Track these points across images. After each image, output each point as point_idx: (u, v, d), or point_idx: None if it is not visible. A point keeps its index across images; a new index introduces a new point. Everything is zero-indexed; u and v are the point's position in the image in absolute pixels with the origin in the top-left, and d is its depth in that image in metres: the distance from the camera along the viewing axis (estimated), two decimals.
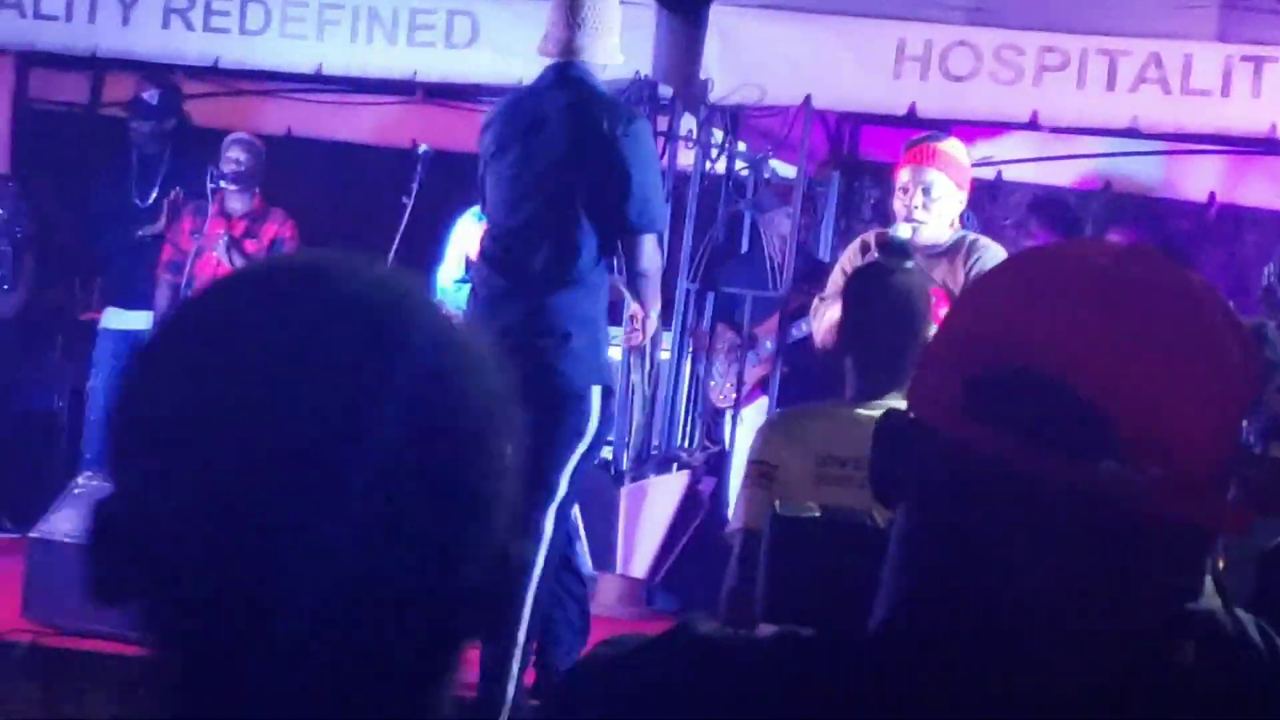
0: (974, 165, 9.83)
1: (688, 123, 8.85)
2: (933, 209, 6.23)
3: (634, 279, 6.16)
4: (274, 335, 1.15)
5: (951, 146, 6.45)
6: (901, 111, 8.29)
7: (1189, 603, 1.38)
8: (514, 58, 8.47)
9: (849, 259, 6.36)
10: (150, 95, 9.06)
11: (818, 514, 1.64)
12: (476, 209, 7.24)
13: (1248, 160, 9.79)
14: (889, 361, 4.39)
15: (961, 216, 6.43)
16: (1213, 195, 10.10)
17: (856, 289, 4.71)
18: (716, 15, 8.39)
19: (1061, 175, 10.07)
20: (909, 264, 4.66)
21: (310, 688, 1.13)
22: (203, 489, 1.12)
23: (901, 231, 6.11)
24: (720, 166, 8.89)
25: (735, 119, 8.83)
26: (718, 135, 8.87)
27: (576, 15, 6.16)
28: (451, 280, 7.89)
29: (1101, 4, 8.26)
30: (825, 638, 1.44)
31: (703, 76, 8.36)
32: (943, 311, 6.17)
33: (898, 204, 6.32)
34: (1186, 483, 1.33)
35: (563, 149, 5.96)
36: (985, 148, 9.89)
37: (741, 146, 9.16)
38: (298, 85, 9.81)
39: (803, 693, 1.39)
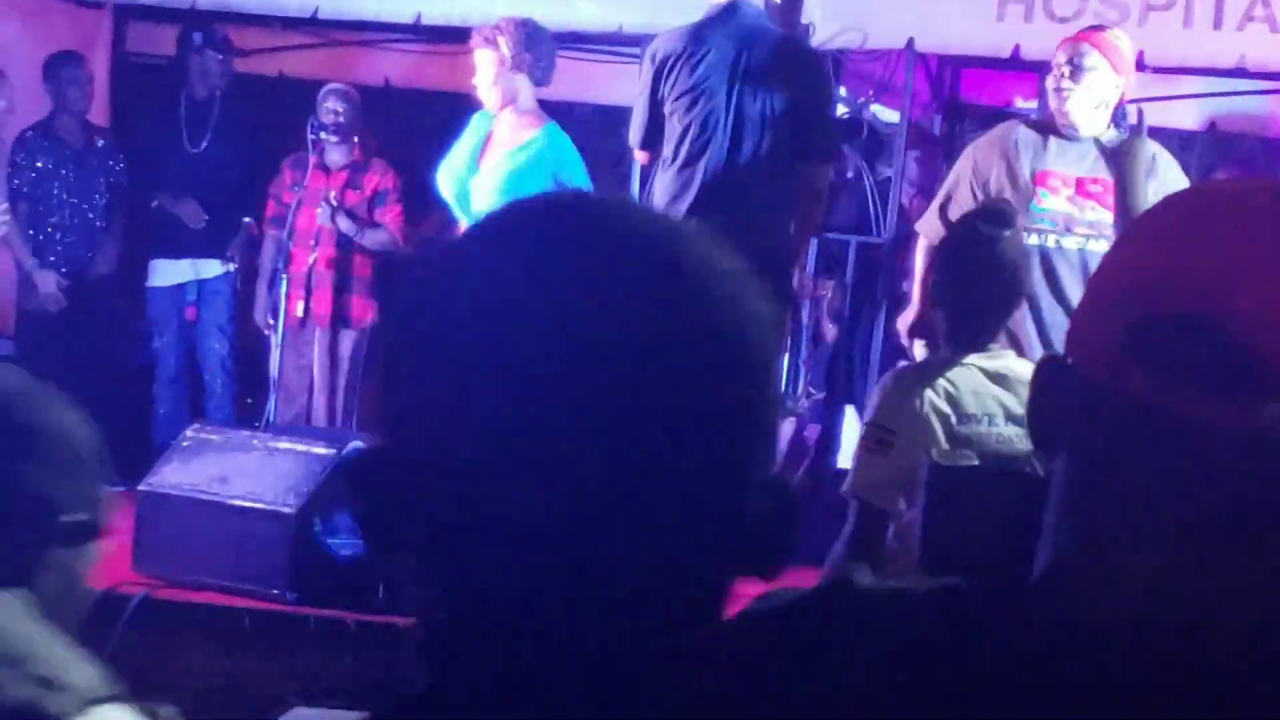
0: None
1: None
2: (1083, 81, 6.21)
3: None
4: (571, 270, 1.15)
5: (1112, 34, 6.46)
6: (1006, 54, 8.21)
7: None
8: (613, 4, 8.46)
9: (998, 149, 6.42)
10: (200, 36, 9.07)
11: (976, 462, 1.62)
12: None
13: None
14: (984, 321, 4.43)
15: (1125, 121, 6.38)
16: None
17: (953, 253, 4.68)
18: None
19: (1166, 116, 9.91)
20: (1008, 232, 4.61)
21: (588, 626, 1.14)
22: (491, 426, 1.11)
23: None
24: None
25: (838, 63, 8.75)
26: None
27: None
28: (456, 179, 7.58)
29: None
30: (987, 589, 1.42)
31: (804, 20, 8.29)
32: (1106, 199, 6.14)
33: (1050, 81, 6.30)
34: None
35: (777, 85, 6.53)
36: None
37: (843, 91, 9.10)
38: (395, 35, 9.79)
39: (966, 646, 1.36)
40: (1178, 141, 10.14)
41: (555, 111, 8.36)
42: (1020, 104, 9.47)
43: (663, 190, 6.70)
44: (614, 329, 1.12)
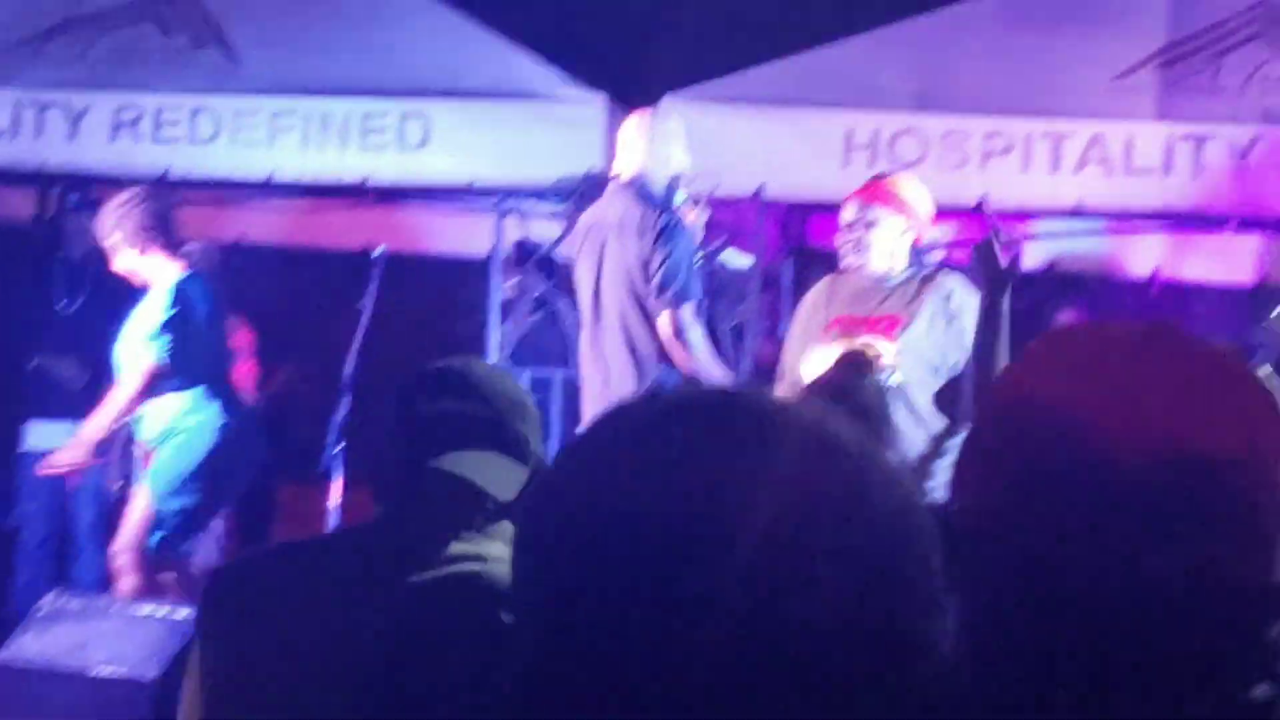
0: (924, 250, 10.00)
1: None
2: (872, 235, 6.54)
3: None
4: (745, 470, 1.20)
5: (898, 183, 6.77)
6: None
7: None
8: (465, 158, 8.57)
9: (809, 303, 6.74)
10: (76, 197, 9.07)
11: None
12: None
13: (1190, 237, 9.92)
14: None
15: (920, 259, 6.63)
16: (1156, 272, 10.22)
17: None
18: (667, 108, 8.47)
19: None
20: (867, 378, 4.73)
21: None
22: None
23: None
24: None
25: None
26: None
27: None
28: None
29: (1044, 87, 8.40)
30: None
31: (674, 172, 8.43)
32: (896, 333, 6.40)
33: (840, 238, 6.55)
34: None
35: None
36: (932, 232, 10.00)
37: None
38: (249, 192, 9.84)
39: None
40: (1022, 282, 10.40)
41: (409, 262, 8.44)
42: None
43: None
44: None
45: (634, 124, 7.23)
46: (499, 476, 2.92)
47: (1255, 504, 1.34)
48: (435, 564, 2.87)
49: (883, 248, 6.59)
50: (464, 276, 10.35)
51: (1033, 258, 10.04)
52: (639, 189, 7.11)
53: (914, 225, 6.70)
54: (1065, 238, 9.88)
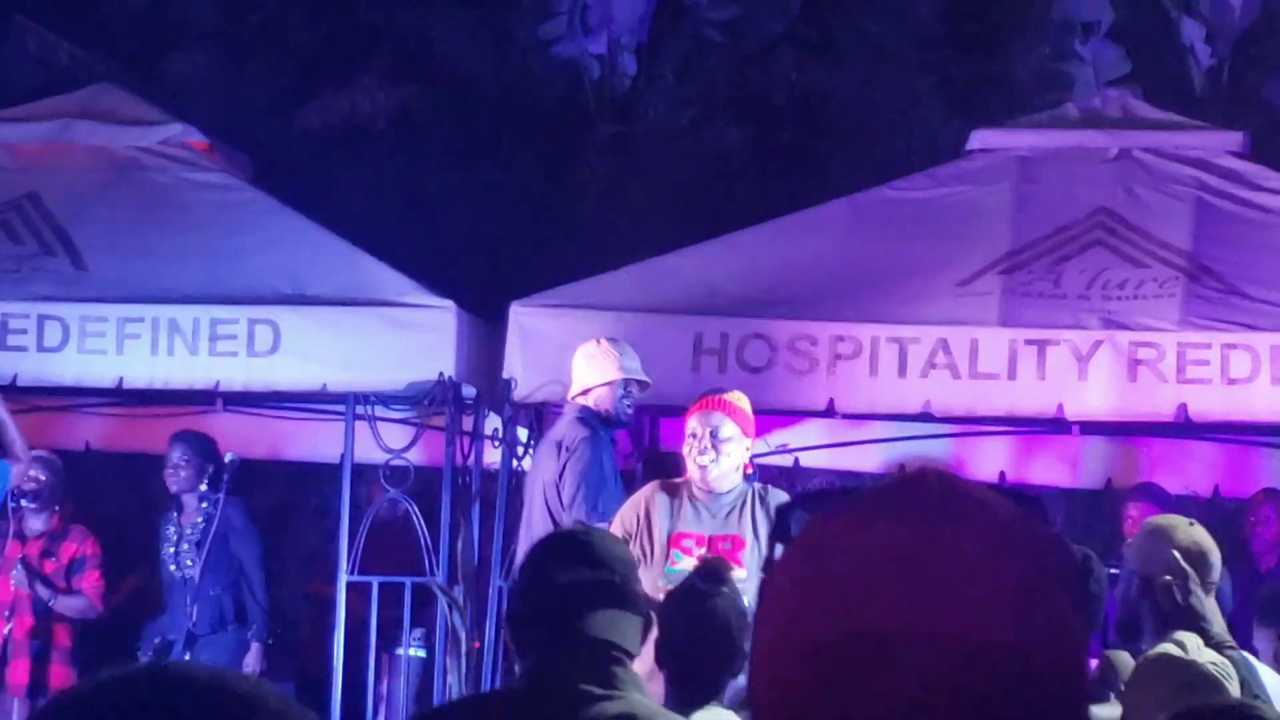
0: (771, 453, 10.08)
1: (493, 422, 8.94)
2: (722, 450, 6.78)
3: None
4: None
5: (736, 397, 7.07)
6: None
7: None
8: (315, 364, 8.55)
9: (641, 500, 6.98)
10: None
11: None
12: None
13: (1036, 440, 10.09)
14: (706, 677, 4.50)
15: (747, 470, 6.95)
16: (1003, 475, 10.36)
17: (672, 611, 4.75)
18: (516, 315, 8.54)
19: (857, 459, 10.27)
20: (724, 589, 4.75)
21: None
22: None
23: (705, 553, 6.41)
24: (527, 464, 8.96)
25: (540, 415, 8.92)
26: (523, 433, 8.96)
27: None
28: None
29: (890, 293, 8.53)
30: None
31: (505, 375, 8.48)
32: (737, 555, 6.50)
33: (687, 448, 6.67)
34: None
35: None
36: (781, 435, 10.11)
37: None
38: (97, 399, 9.75)
39: None
40: (869, 483, 10.49)
41: (259, 467, 8.38)
42: None
43: None
44: None
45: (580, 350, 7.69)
46: (628, 632, 3.45)
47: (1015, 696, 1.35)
48: (588, 715, 3.30)
49: (732, 462, 6.84)
50: (318, 481, 10.30)
51: (880, 460, 10.16)
52: (571, 410, 7.61)
53: (749, 439, 6.97)
54: (913, 440, 10.01)
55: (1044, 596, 1.38)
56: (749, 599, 6.31)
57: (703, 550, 6.65)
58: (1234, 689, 4.49)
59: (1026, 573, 1.38)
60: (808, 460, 10.37)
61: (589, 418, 7.57)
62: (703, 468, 6.80)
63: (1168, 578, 5.22)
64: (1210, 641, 5.08)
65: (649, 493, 6.98)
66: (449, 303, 8.59)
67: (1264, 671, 5.59)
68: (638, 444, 10.04)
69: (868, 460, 10.46)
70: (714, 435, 6.83)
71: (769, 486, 7.08)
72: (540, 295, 8.69)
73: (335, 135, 12.04)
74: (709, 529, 6.81)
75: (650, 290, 8.65)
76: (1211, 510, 10.37)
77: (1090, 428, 9.41)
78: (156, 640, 8.78)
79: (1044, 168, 9.02)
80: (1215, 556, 5.41)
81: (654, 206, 11.30)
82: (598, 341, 7.74)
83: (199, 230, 8.98)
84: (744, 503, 6.84)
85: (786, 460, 10.34)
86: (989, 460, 10.36)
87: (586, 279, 8.77)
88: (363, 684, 8.64)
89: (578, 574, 3.46)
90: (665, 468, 10.17)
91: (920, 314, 8.45)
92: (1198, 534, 5.45)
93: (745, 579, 6.50)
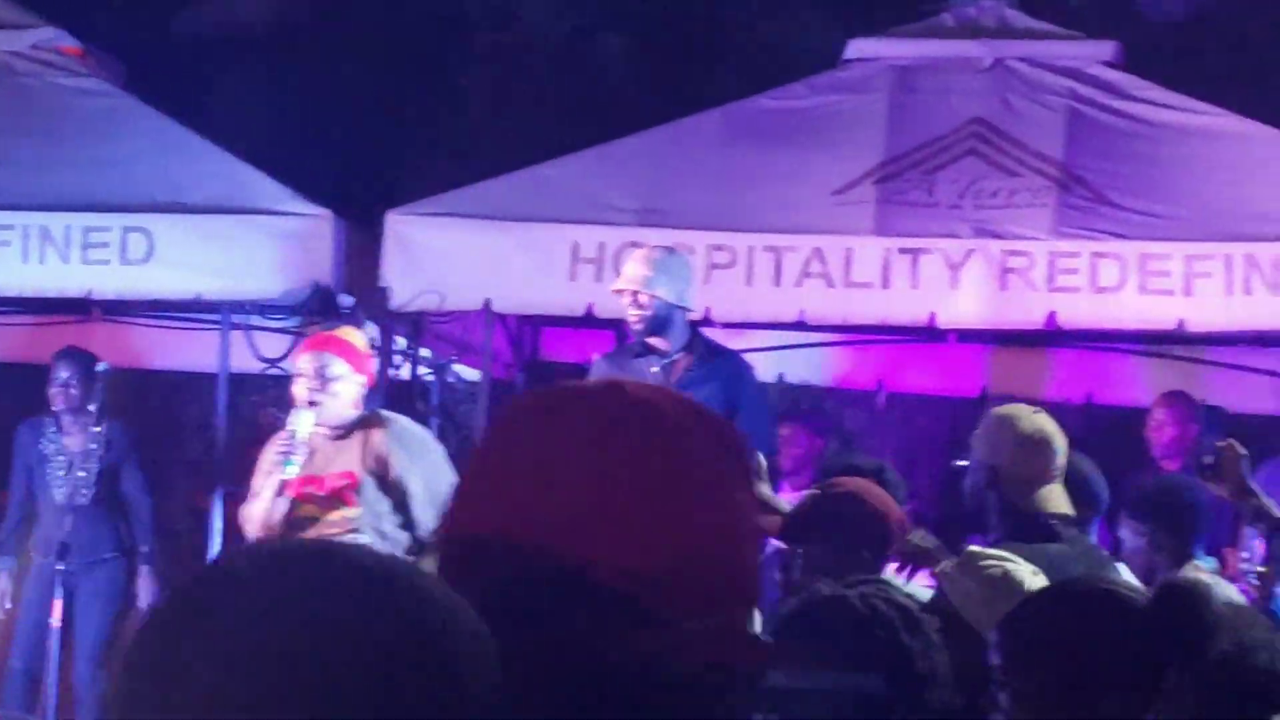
0: None
1: (370, 331, 8.92)
2: (329, 389, 6.82)
3: None
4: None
5: (347, 333, 7.12)
6: (580, 312, 8.45)
7: None
8: (189, 273, 8.49)
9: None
10: None
11: None
12: None
13: (912, 349, 10.17)
14: None
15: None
16: (880, 383, 10.46)
17: None
18: (392, 223, 8.51)
19: None
20: None
21: None
22: None
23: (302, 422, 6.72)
24: (405, 373, 8.97)
25: (417, 325, 8.92)
26: (401, 342, 8.95)
27: None
28: None
29: (765, 202, 8.57)
30: None
31: (382, 284, 8.46)
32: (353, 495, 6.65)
33: (298, 388, 6.72)
34: (717, 628, 1.40)
35: None
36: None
37: (427, 352, 9.26)
38: None
39: None
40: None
41: (134, 377, 8.32)
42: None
43: None
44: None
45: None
46: None
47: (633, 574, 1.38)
48: None
49: (344, 400, 6.89)
50: (198, 391, 10.25)
51: (760, 370, 10.22)
52: None
53: (362, 375, 7.01)
54: (791, 349, 10.08)
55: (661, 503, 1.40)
56: (365, 536, 6.55)
57: (317, 489, 6.83)
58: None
59: (637, 483, 1.40)
60: None
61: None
62: (315, 408, 6.82)
63: (1015, 467, 5.33)
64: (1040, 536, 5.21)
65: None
66: (325, 211, 8.55)
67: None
68: (519, 354, 10.06)
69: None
70: (323, 376, 6.85)
71: (384, 412, 7.17)
72: (417, 204, 8.66)
73: (212, 41, 11.92)
74: (322, 468, 6.86)
75: (527, 199, 8.64)
76: (1086, 417, 10.53)
77: (966, 336, 9.53)
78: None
79: (919, 77, 9.05)
80: (1060, 443, 5.52)
81: (537, 115, 11.28)
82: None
83: (71, 137, 8.86)
84: (355, 429, 6.90)
85: None
86: (866, 370, 10.46)
87: (463, 187, 8.74)
88: None
89: None
90: (547, 378, 10.22)
91: (795, 223, 8.49)
92: (1041, 421, 5.56)
93: (358, 515, 6.68)
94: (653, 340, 7.44)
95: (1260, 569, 6.57)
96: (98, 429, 8.66)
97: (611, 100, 11.33)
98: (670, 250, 7.58)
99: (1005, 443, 5.44)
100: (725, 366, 7.53)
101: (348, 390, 6.89)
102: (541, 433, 1.44)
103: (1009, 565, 4.56)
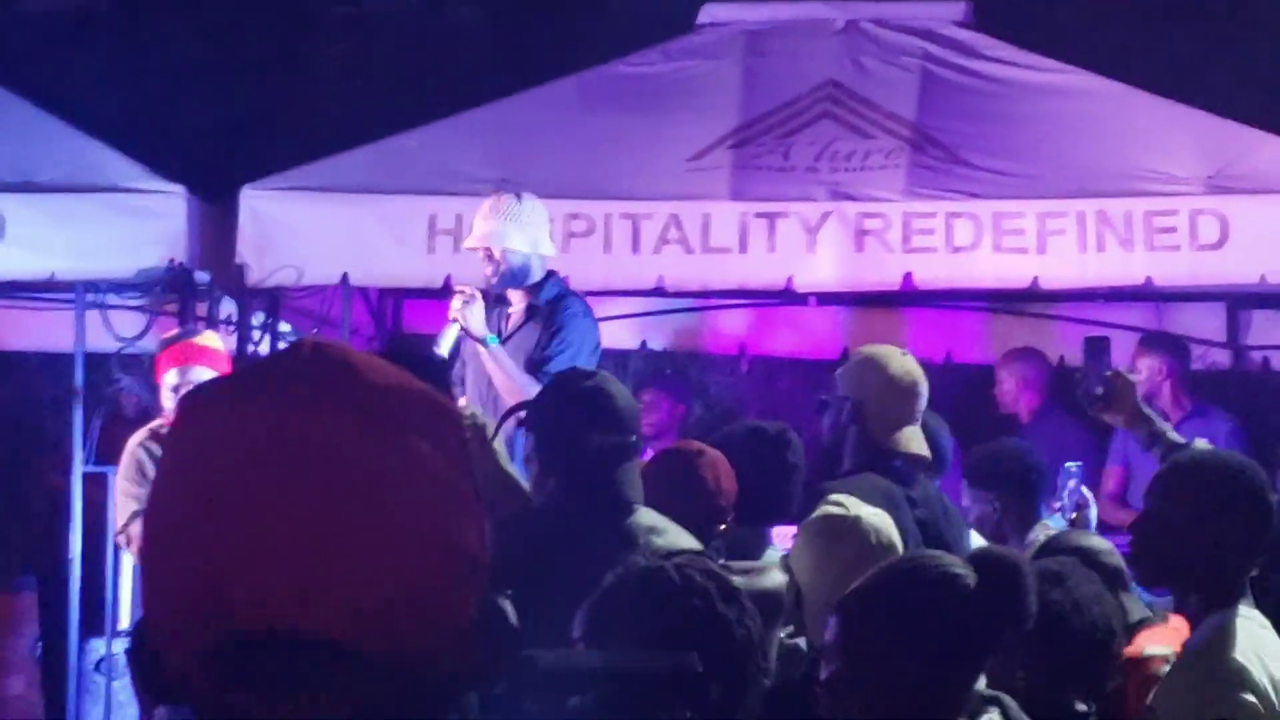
0: None
1: (228, 307, 8.86)
2: None
3: None
4: None
5: (209, 339, 7.31)
6: (439, 284, 8.42)
7: None
8: (42, 253, 8.40)
9: None
10: None
11: None
12: None
13: (772, 312, 10.23)
14: None
15: None
16: (743, 348, 10.51)
17: None
18: (247, 199, 8.44)
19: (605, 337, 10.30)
20: None
21: None
22: None
23: None
24: (264, 348, 8.90)
25: (275, 301, 8.86)
26: (259, 318, 8.89)
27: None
28: None
29: (621, 170, 8.58)
30: None
31: (238, 260, 8.39)
32: None
33: (166, 402, 6.82)
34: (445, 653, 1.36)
35: None
36: None
37: (286, 327, 9.20)
38: None
39: None
40: (612, 360, 10.59)
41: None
42: None
43: None
44: None
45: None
46: None
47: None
48: None
49: None
50: (59, 371, 10.13)
51: (623, 338, 10.25)
52: None
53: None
54: (653, 316, 10.11)
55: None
56: None
57: None
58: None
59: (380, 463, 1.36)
60: None
61: None
62: None
63: (879, 406, 5.39)
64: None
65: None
66: (179, 187, 8.47)
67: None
68: (380, 326, 10.02)
69: (612, 337, 10.53)
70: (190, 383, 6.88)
71: None
72: (272, 178, 8.60)
73: (60, 17, 11.77)
74: None
75: (383, 171, 8.60)
76: (944, 375, 10.63)
77: (826, 299, 9.60)
78: None
79: (772, 40, 9.09)
80: (924, 387, 5.60)
81: (390, 88, 11.22)
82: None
83: None
84: None
85: None
86: (728, 334, 10.50)
87: (318, 161, 8.69)
88: (100, 579, 8.53)
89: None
90: (409, 349, 10.18)
91: (652, 190, 8.52)
92: (910, 364, 5.64)
93: None
94: (513, 293, 7.37)
95: (1073, 515, 6.67)
96: None
97: (466, 70, 11.30)
98: (518, 196, 7.42)
99: (873, 382, 5.50)
100: (553, 306, 7.36)
101: None
102: (201, 468, 1.36)
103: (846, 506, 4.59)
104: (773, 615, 4.40)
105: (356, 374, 1.40)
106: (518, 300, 7.41)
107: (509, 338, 7.26)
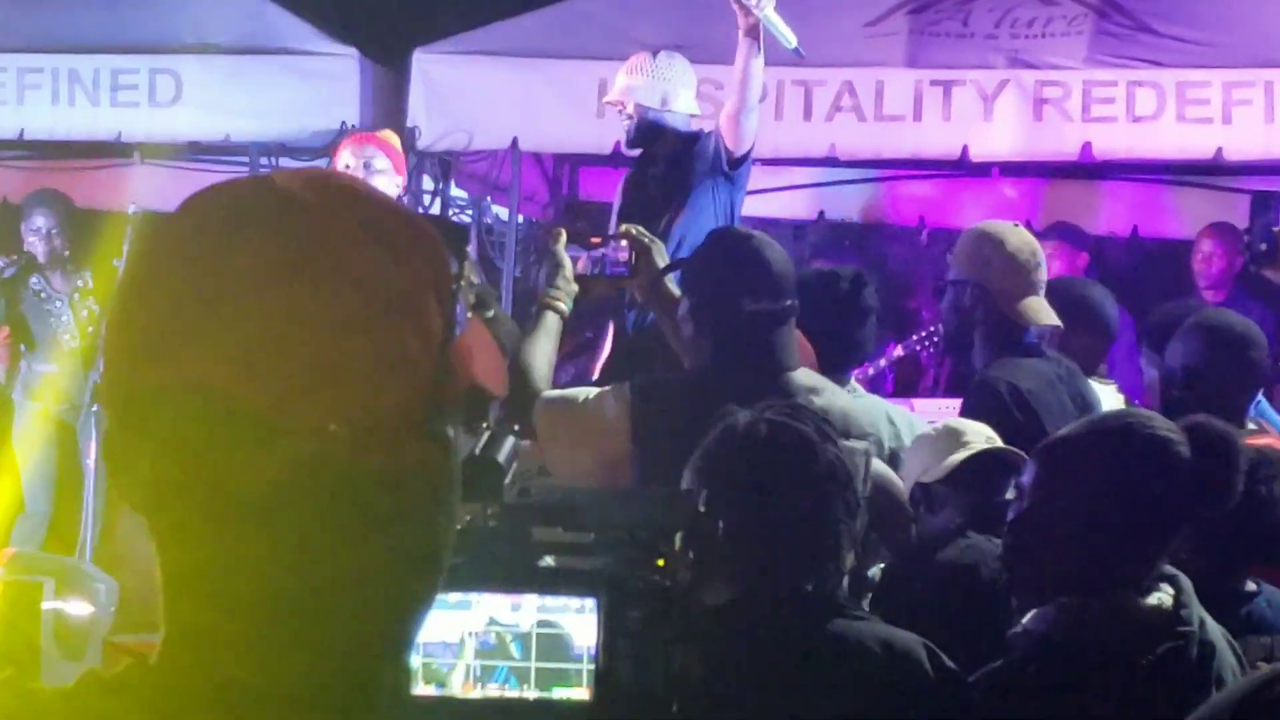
0: None
1: None
2: (383, 185, 6.66)
3: None
4: None
5: (387, 134, 7.13)
6: (607, 150, 8.38)
7: None
8: (218, 114, 8.50)
9: None
10: None
11: None
12: None
13: (953, 182, 10.05)
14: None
15: None
16: (922, 219, 10.35)
17: None
18: (419, 62, 8.46)
19: (773, 206, 10.21)
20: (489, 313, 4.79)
21: None
22: None
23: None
24: (435, 211, 8.94)
25: (446, 165, 8.89)
26: (429, 182, 8.92)
27: None
28: None
29: (795, 35, 8.42)
30: None
31: (409, 124, 8.41)
32: None
33: None
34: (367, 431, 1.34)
35: None
36: None
37: (458, 191, 9.23)
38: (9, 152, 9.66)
39: None
40: (791, 231, 10.49)
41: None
42: None
43: None
44: None
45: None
46: None
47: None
48: None
49: (383, 186, 6.86)
50: None
51: (798, 208, 10.15)
52: None
53: (400, 176, 6.99)
54: (826, 187, 9.99)
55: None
56: None
57: None
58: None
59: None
60: None
61: None
62: None
63: (1003, 282, 5.28)
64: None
65: None
66: (352, 50, 8.51)
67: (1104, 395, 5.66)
68: (555, 193, 10.02)
69: (788, 207, 10.44)
70: (368, 168, 6.80)
71: None
72: (444, 41, 8.59)
73: None
74: None
75: (555, 36, 8.54)
76: (1131, 250, 10.40)
77: (1009, 169, 9.42)
78: None
79: None
80: (1043, 257, 5.48)
81: None
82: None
83: None
84: None
85: None
86: (907, 205, 10.35)
87: (491, 24, 8.66)
88: None
89: None
90: (583, 217, 10.17)
91: (826, 56, 8.36)
92: (1026, 235, 5.52)
93: None
94: (651, 149, 7.22)
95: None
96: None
97: None
98: (655, 53, 7.24)
99: (992, 258, 5.38)
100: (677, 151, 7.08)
101: (388, 189, 6.74)
102: (183, 265, 1.34)
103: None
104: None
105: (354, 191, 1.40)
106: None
107: (652, 196, 7.14)
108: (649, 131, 7.07)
